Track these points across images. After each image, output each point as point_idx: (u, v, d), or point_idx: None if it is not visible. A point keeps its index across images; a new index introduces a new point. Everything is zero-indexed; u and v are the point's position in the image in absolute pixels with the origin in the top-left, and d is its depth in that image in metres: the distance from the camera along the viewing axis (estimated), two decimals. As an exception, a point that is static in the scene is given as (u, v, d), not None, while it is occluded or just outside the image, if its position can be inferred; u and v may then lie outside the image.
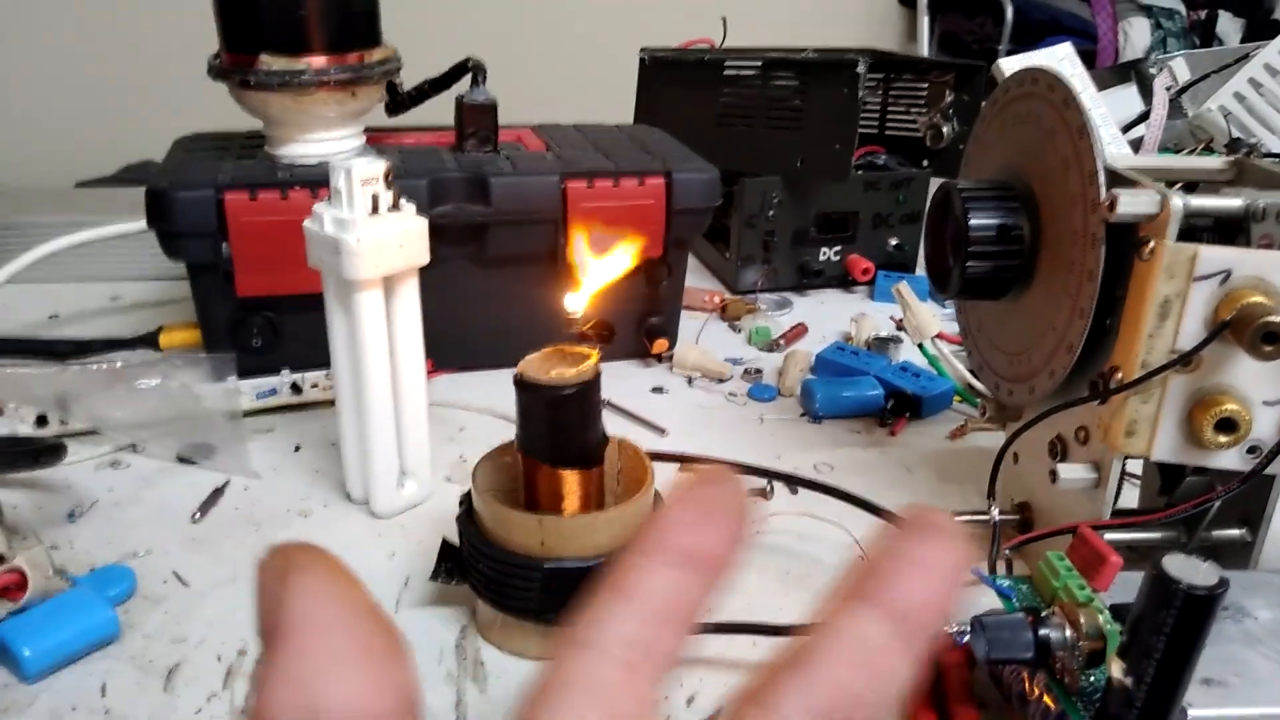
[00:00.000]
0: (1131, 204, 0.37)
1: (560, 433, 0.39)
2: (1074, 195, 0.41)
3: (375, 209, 0.46)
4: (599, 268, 0.43)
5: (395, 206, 0.46)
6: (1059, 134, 0.42)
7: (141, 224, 0.61)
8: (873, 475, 0.54)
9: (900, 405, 0.60)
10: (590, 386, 0.39)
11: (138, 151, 1.10)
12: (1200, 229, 0.39)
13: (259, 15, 0.58)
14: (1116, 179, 0.40)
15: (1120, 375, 0.38)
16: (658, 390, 0.65)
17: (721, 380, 0.66)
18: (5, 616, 0.40)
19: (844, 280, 0.81)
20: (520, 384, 0.39)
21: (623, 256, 0.44)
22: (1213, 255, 0.36)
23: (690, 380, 0.66)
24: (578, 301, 0.41)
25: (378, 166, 0.46)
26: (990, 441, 0.58)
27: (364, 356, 0.47)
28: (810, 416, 0.61)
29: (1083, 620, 0.31)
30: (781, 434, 0.59)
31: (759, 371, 0.66)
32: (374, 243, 0.45)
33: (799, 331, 0.73)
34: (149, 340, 0.65)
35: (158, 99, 1.11)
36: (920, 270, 0.82)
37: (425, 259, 0.47)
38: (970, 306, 0.51)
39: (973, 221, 0.43)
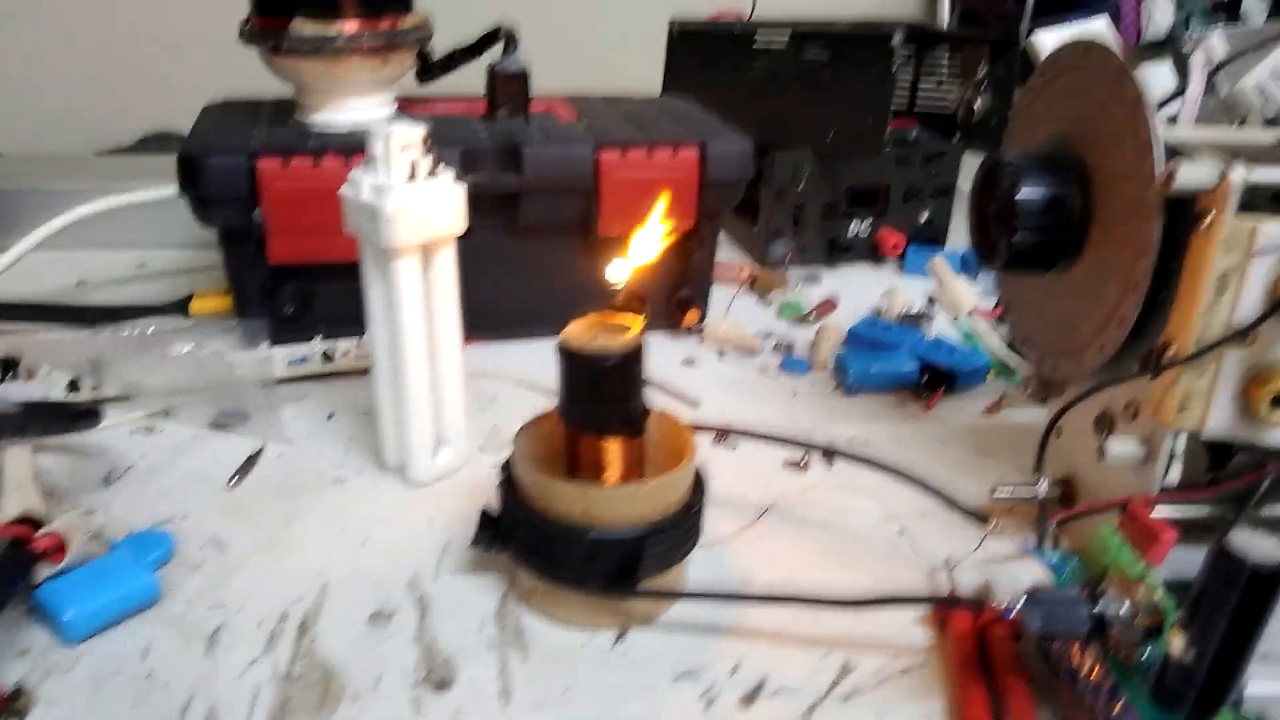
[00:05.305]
0: (1191, 176, 0.37)
1: (605, 401, 0.39)
2: (1129, 167, 0.40)
3: (413, 175, 0.45)
4: (645, 239, 0.43)
5: (433, 173, 0.46)
6: (1112, 106, 0.41)
7: (171, 191, 0.60)
8: (909, 449, 0.54)
9: (935, 379, 0.59)
10: (636, 355, 0.39)
11: (153, 123, 1.10)
12: (1258, 201, 0.38)
13: (292, -21, 0.57)
14: (1172, 151, 0.39)
15: (1174, 350, 0.37)
16: (688, 363, 0.64)
17: (752, 353, 0.65)
18: (45, 579, 0.40)
19: (873, 254, 0.81)
20: (566, 352, 0.39)
21: (663, 228, 0.43)
22: (1274, 229, 0.36)
23: (721, 353, 0.65)
24: (621, 271, 0.40)
25: (416, 132, 0.45)
26: (1026, 416, 0.57)
27: (401, 324, 0.46)
28: (844, 391, 0.60)
29: (1139, 595, 0.31)
30: (815, 407, 0.59)
31: (790, 345, 0.66)
32: (412, 209, 0.44)
33: (829, 306, 0.72)
34: (179, 307, 0.65)
35: (173, 71, 1.10)
36: (950, 244, 0.82)
37: (463, 227, 0.47)
38: (1012, 279, 0.51)
39: (1022, 193, 0.43)
